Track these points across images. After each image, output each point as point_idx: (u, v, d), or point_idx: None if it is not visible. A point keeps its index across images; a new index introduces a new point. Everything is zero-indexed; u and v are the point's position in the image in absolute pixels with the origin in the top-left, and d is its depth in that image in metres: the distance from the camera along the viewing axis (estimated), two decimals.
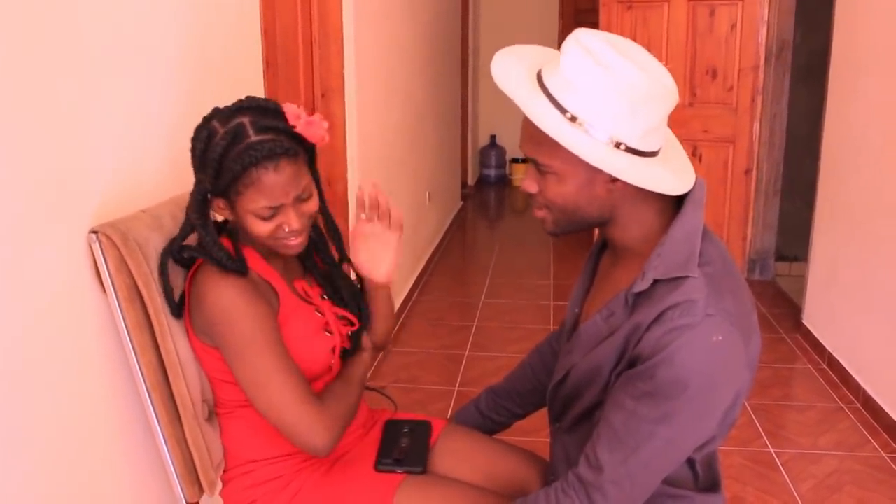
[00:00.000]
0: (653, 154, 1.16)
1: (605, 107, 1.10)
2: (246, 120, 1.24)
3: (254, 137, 1.23)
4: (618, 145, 1.11)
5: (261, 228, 1.28)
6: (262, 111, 1.27)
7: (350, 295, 1.51)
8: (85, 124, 1.30)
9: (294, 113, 1.28)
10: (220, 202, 1.30)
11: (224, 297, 1.27)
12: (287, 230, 1.30)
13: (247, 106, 1.27)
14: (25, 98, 1.14)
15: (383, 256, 1.52)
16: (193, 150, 1.28)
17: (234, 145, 1.22)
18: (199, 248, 1.31)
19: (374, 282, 1.54)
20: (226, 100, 1.32)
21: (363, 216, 1.53)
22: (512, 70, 1.18)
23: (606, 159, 1.10)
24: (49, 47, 1.20)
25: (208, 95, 1.76)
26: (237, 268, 1.29)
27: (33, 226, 1.17)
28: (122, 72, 1.42)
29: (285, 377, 1.27)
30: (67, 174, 1.26)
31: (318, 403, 1.30)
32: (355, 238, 1.54)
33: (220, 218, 1.37)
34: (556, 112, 1.11)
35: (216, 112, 1.29)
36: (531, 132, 1.15)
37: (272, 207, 1.26)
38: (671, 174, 1.17)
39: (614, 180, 1.15)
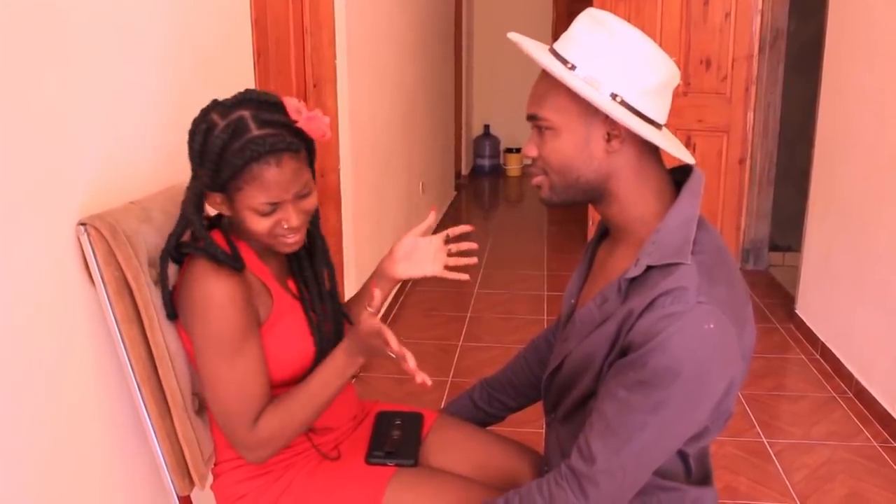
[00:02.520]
0: (652, 122, 1.18)
1: (603, 59, 1.16)
2: (247, 113, 1.21)
3: (255, 132, 1.20)
4: (614, 97, 1.15)
5: (259, 225, 1.26)
6: (264, 105, 1.24)
7: (331, 303, 1.47)
8: (71, 116, 1.28)
9: (295, 107, 1.26)
10: (217, 197, 1.26)
11: (208, 290, 1.25)
12: (286, 227, 1.27)
13: (247, 99, 1.24)
14: (10, 90, 1.13)
15: (421, 267, 1.52)
16: (191, 143, 1.25)
17: (234, 139, 1.19)
18: (194, 243, 1.29)
19: (394, 277, 1.52)
20: (215, 90, 1.31)
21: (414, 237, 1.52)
22: (526, 38, 1.25)
23: (602, 103, 1.13)
24: (34, 37, 1.18)
25: (197, 85, 1.74)
26: (232, 263, 1.27)
27: (21, 218, 1.16)
28: (109, 61, 1.40)
29: (236, 386, 1.26)
30: (55, 166, 1.24)
31: (254, 425, 1.28)
32: (404, 253, 1.52)
33: (213, 212, 1.35)
34: (559, 63, 1.17)
35: (215, 104, 1.25)
36: (536, 91, 1.22)
37: (272, 204, 1.24)
38: (666, 140, 1.19)
39: (609, 139, 1.18)
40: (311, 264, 1.44)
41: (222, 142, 1.19)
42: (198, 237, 1.27)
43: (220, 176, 1.21)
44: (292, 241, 1.30)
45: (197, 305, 1.26)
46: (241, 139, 1.19)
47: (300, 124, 1.25)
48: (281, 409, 1.31)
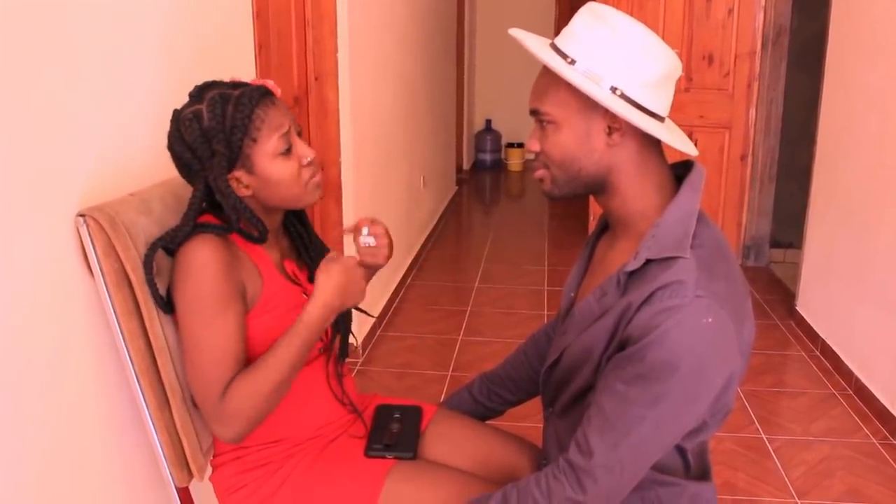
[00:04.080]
0: (653, 115, 1.18)
1: (603, 52, 1.15)
2: (215, 90, 1.29)
3: (237, 92, 1.28)
4: (614, 90, 1.15)
5: (286, 169, 1.32)
6: (218, 82, 1.33)
7: None
8: (71, 107, 1.28)
9: (236, 79, 1.35)
10: (236, 174, 1.31)
11: (192, 253, 1.26)
12: (308, 160, 1.34)
13: (202, 87, 1.32)
14: (10, 82, 1.12)
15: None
16: (185, 142, 1.27)
17: (227, 105, 1.27)
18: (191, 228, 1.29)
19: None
20: None
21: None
22: (528, 33, 1.24)
23: (602, 98, 1.13)
24: (33, 30, 1.18)
25: (198, 78, 1.73)
26: (261, 233, 1.33)
27: (20, 210, 1.16)
28: (109, 54, 1.40)
29: (212, 350, 1.26)
30: (54, 158, 1.24)
31: (222, 399, 1.25)
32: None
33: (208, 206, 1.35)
34: (559, 58, 1.17)
35: (178, 111, 1.31)
36: (537, 86, 1.22)
37: (285, 136, 1.31)
38: (668, 133, 1.19)
39: (610, 133, 1.18)
40: (309, 247, 1.50)
41: (219, 112, 1.27)
42: (240, 213, 1.30)
43: (234, 141, 1.27)
44: (317, 178, 1.37)
45: (181, 268, 1.27)
46: (231, 102, 1.27)
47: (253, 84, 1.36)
48: (247, 376, 1.27)
